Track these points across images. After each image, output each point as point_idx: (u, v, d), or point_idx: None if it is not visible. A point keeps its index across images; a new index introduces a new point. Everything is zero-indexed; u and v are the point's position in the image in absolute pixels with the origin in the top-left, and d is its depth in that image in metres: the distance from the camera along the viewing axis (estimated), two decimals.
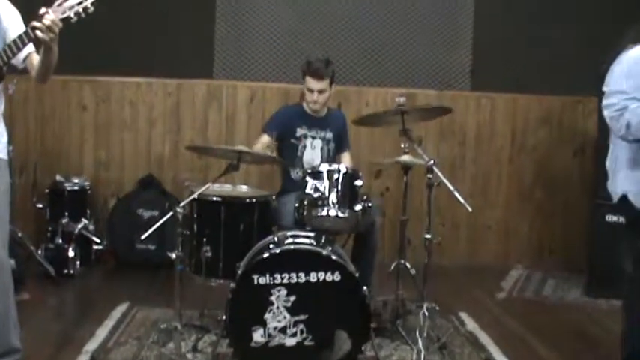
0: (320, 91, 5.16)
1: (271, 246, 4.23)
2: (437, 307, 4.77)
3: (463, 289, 6.22)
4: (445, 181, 4.55)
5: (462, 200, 4.49)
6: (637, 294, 3.93)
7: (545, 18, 6.77)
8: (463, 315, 5.42)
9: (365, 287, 4.13)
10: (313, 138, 5.27)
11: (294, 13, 6.68)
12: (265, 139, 5.21)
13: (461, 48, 6.88)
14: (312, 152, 5.26)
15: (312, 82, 5.16)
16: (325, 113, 5.36)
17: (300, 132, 5.27)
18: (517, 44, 6.84)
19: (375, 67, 6.78)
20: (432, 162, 4.58)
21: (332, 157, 5.30)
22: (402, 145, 4.83)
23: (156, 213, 6.19)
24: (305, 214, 4.42)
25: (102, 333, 4.71)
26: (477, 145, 6.94)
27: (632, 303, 3.97)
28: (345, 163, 5.23)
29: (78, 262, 5.93)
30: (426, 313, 4.62)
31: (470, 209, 4.52)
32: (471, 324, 5.28)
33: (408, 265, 4.93)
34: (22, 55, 3.73)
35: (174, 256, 4.27)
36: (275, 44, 6.68)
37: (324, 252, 4.14)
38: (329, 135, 5.31)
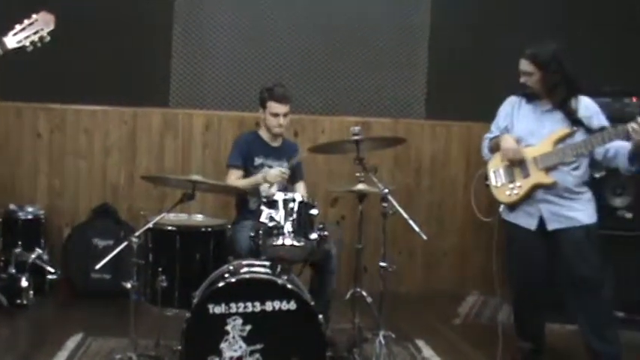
0: (285, 115, 5.24)
1: (227, 275, 4.23)
2: (393, 335, 4.78)
3: (419, 316, 6.23)
4: (400, 209, 4.59)
5: (416, 229, 4.53)
6: None
7: (501, 46, 6.87)
8: (420, 342, 5.45)
9: (320, 316, 4.14)
10: (270, 167, 5.29)
11: (250, 42, 6.71)
12: (237, 173, 5.24)
13: (416, 77, 6.95)
14: None
15: (277, 107, 5.22)
16: (281, 143, 5.39)
17: (257, 161, 5.30)
18: (472, 73, 6.93)
19: (330, 96, 6.82)
20: (386, 191, 4.62)
21: (286, 186, 5.31)
22: (357, 174, 4.87)
23: (111, 242, 6.13)
24: (261, 243, 4.41)
25: None
26: (432, 173, 7.01)
27: None
28: (300, 193, 5.24)
29: (31, 292, 5.86)
30: (383, 341, 4.64)
31: (425, 237, 4.56)
32: (427, 351, 5.30)
33: (364, 293, 4.93)
34: None
35: (129, 285, 4.26)
36: (230, 73, 6.70)
37: (280, 281, 4.14)
38: (285, 164, 5.33)
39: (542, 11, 6.94)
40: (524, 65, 4.76)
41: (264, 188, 5.20)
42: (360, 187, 4.84)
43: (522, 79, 4.79)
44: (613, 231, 5.29)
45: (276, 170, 5.03)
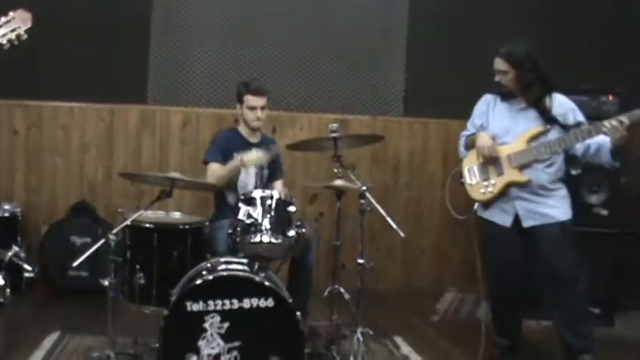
0: (262, 108, 5.25)
1: (204, 273, 4.22)
2: (371, 332, 4.81)
3: (398, 313, 6.25)
4: (377, 206, 4.62)
5: (394, 226, 4.56)
6: None
7: (478, 44, 6.90)
8: (398, 339, 5.46)
9: (298, 313, 4.14)
10: None
11: (229, 39, 6.69)
12: (215, 166, 5.23)
13: (394, 74, 6.97)
14: (246, 177, 5.27)
15: (254, 100, 5.23)
16: (260, 139, 5.39)
17: (236, 157, 5.28)
18: (449, 71, 6.95)
19: (308, 93, 6.82)
20: (364, 188, 4.64)
21: (265, 184, 5.32)
22: (335, 171, 4.88)
23: (89, 239, 6.09)
24: (238, 240, 4.41)
25: None
26: (410, 171, 7.03)
27: None
28: (278, 190, 5.24)
29: (8, 290, 5.80)
30: (360, 338, 4.65)
31: (402, 234, 4.58)
32: (405, 348, 5.32)
33: (342, 290, 4.94)
34: None
35: (106, 283, 4.24)
36: (208, 70, 6.68)
37: (258, 278, 4.14)
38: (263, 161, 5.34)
39: (520, 10, 6.98)
40: (499, 64, 4.82)
41: (241, 184, 5.21)
42: (338, 183, 4.85)
43: (497, 78, 4.85)
44: (589, 228, 5.33)
45: (253, 152, 5.00)
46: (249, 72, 6.53)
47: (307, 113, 6.81)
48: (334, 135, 4.74)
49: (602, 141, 4.62)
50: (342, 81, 6.87)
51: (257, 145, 5.32)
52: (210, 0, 6.70)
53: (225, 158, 5.23)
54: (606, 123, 4.43)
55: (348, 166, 4.81)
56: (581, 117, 4.81)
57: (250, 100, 5.23)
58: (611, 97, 5.93)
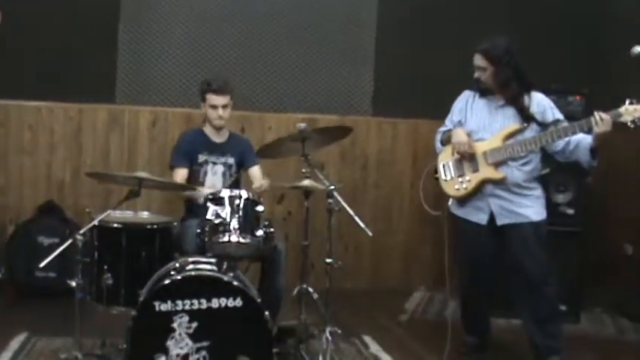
0: (224, 107, 5.24)
1: (173, 272, 4.22)
2: (339, 331, 4.82)
3: (366, 312, 6.27)
4: (345, 205, 4.63)
5: (362, 225, 4.57)
6: None
7: (447, 44, 6.95)
8: (367, 338, 5.48)
9: (267, 312, 4.15)
10: (214, 164, 5.31)
11: (197, 38, 6.67)
12: (182, 172, 5.24)
13: (363, 74, 6.99)
14: (213, 178, 5.28)
15: (215, 99, 5.23)
16: (227, 138, 5.39)
17: (201, 158, 5.30)
18: (418, 70, 6.99)
19: (277, 93, 6.82)
20: (332, 187, 4.65)
21: (234, 182, 5.32)
22: (303, 170, 4.88)
23: (56, 240, 6.03)
24: (207, 240, 4.39)
25: None
26: (379, 170, 7.05)
27: None
28: (256, 176, 5.35)
29: None
30: (329, 337, 4.66)
31: (370, 234, 4.60)
32: (374, 347, 5.34)
33: (311, 289, 4.95)
34: None
35: (74, 284, 4.22)
36: (177, 69, 6.66)
37: (226, 278, 4.15)
38: (230, 160, 5.35)
39: (489, 10, 7.03)
40: (478, 60, 4.83)
41: (209, 184, 5.21)
42: (306, 183, 4.86)
43: (476, 74, 4.87)
44: (556, 227, 5.37)
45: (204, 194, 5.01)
46: (219, 71, 6.52)
47: (276, 113, 6.80)
48: (302, 134, 4.74)
49: (581, 138, 4.64)
50: (311, 81, 6.88)
51: (222, 146, 5.32)
52: None
53: (190, 161, 5.26)
54: (596, 115, 4.42)
55: (316, 165, 4.81)
56: (559, 115, 4.84)
57: (212, 98, 5.23)
58: (577, 98, 6.00)
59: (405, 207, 7.10)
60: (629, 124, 4.39)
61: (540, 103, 4.86)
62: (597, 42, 7.25)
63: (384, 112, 7.02)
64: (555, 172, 5.66)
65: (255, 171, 5.50)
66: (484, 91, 4.92)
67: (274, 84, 6.82)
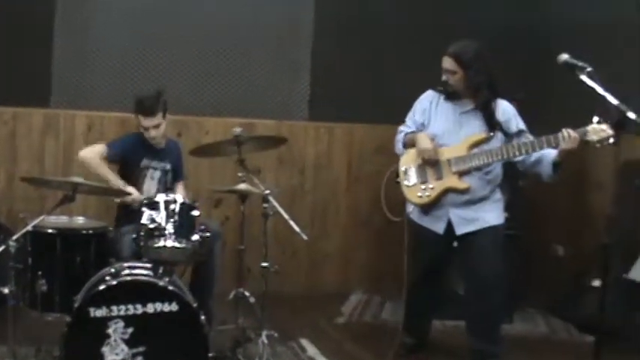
0: (155, 127, 5.19)
1: (108, 278, 4.20)
2: (276, 335, 4.85)
3: (303, 315, 6.29)
4: (280, 210, 4.66)
5: (297, 229, 4.61)
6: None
7: (383, 49, 7.02)
8: (304, 341, 5.50)
9: (203, 317, 4.16)
10: (154, 169, 5.29)
11: (134, 42, 6.62)
12: (101, 148, 5.21)
13: (299, 78, 7.01)
14: (150, 183, 5.26)
15: (145, 120, 5.17)
16: (165, 144, 5.37)
17: (143, 163, 5.27)
18: (355, 75, 7.04)
19: (214, 97, 6.80)
20: (267, 192, 4.67)
21: (168, 188, 5.32)
22: (240, 175, 4.89)
23: None
24: (142, 245, 4.38)
25: None
26: (316, 174, 7.08)
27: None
28: (179, 193, 5.25)
29: None
30: (266, 341, 4.70)
31: (305, 238, 4.64)
32: (311, 350, 5.37)
33: (247, 293, 4.98)
34: None
35: (6, 290, 4.17)
36: (114, 73, 6.60)
37: (161, 283, 4.15)
38: (167, 166, 5.34)
39: (425, 15, 7.11)
40: (448, 63, 4.76)
41: (146, 190, 5.20)
42: (242, 187, 4.88)
43: (444, 77, 4.80)
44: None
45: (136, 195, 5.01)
46: (155, 76, 6.50)
47: (213, 117, 6.79)
48: (238, 138, 4.76)
49: (544, 153, 4.63)
50: (248, 85, 6.87)
51: (161, 152, 5.32)
52: (116, 2, 6.63)
53: (126, 161, 5.23)
54: (564, 131, 4.41)
55: (252, 169, 4.83)
56: (522, 125, 4.84)
57: (142, 120, 5.18)
58: (513, 103, 6.08)
59: (341, 211, 7.14)
60: (595, 144, 4.34)
61: (506, 111, 4.84)
62: (533, 48, 7.38)
63: (321, 117, 7.05)
64: None
65: (179, 189, 5.50)
66: (450, 95, 4.87)
67: (211, 88, 6.81)
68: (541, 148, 4.57)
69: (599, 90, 3.98)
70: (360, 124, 7.02)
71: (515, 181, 6.13)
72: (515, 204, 6.16)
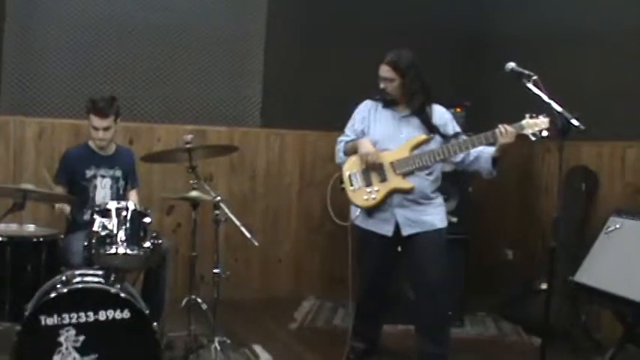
0: (105, 129, 5.18)
1: (59, 286, 4.17)
2: (229, 341, 4.86)
3: (256, 321, 6.29)
4: (232, 216, 4.68)
5: (248, 235, 4.64)
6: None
7: (335, 56, 7.09)
8: (256, 347, 5.50)
9: (155, 324, 4.16)
10: (103, 177, 5.26)
11: (86, 48, 6.56)
12: (59, 190, 5.17)
13: (251, 85, 7.03)
14: (102, 191, 5.24)
15: (96, 121, 5.16)
16: (114, 151, 5.36)
17: (89, 173, 5.24)
18: (306, 82, 7.09)
19: (166, 104, 6.78)
20: (218, 198, 4.69)
21: (122, 195, 5.30)
22: (191, 182, 4.91)
23: None
24: (94, 252, 4.37)
25: None
26: (267, 181, 7.10)
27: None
28: (132, 200, 5.24)
29: None
30: (218, 348, 4.71)
31: (256, 244, 4.66)
32: (264, 355, 5.37)
33: (200, 300, 4.98)
34: None
35: None
36: (65, 79, 6.54)
37: (113, 290, 4.13)
38: (118, 173, 5.32)
39: (376, 22, 7.19)
40: (385, 71, 4.86)
41: (98, 198, 5.18)
42: (194, 194, 4.88)
43: (382, 85, 4.89)
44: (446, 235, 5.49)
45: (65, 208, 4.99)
46: (107, 82, 6.47)
47: (165, 124, 6.78)
48: (188, 146, 4.78)
49: (481, 150, 4.79)
50: (200, 92, 6.87)
51: (109, 159, 5.31)
52: (66, 7, 6.58)
53: (70, 178, 5.22)
54: (501, 127, 4.59)
55: (203, 176, 4.84)
56: (458, 128, 4.98)
57: (93, 119, 5.18)
58: (458, 110, 6.19)
59: (293, 217, 7.19)
60: (530, 136, 4.56)
61: (442, 115, 4.97)
62: (477, 56, 7.51)
63: (272, 124, 7.08)
64: None
65: (133, 196, 5.50)
66: (388, 102, 4.96)
67: (164, 95, 6.79)
68: (480, 144, 4.72)
69: (544, 97, 4.10)
70: (311, 130, 7.06)
71: (465, 186, 6.22)
72: (465, 209, 6.26)
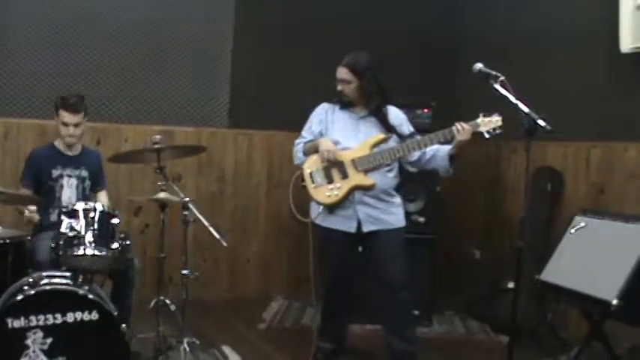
0: (76, 125, 5.16)
1: (26, 287, 4.13)
2: (198, 342, 4.85)
3: (225, 322, 6.28)
4: (200, 217, 4.68)
5: (217, 235, 4.64)
6: None
7: (302, 57, 7.10)
8: (225, 348, 5.49)
9: (124, 325, 4.14)
10: (69, 177, 5.23)
11: (52, 48, 6.51)
12: (26, 193, 5.14)
13: (219, 85, 7.02)
14: (68, 191, 5.20)
15: (67, 117, 5.13)
16: (80, 151, 5.33)
17: (55, 173, 5.20)
18: (274, 82, 7.11)
19: (133, 104, 6.75)
20: (187, 199, 4.69)
21: (88, 196, 5.27)
22: (159, 183, 4.89)
23: None
24: (61, 253, 4.34)
25: None
26: (235, 181, 7.10)
27: None
28: (101, 202, 5.21)
29: None
30: (187, 348, 4.70)
31: (225, 244, 4.67)
32: (233, 356, 5.36)
33: (168, 301, 4.97)
34: None
35: None
36: (31, 79, 6.48)
37: (81, 291, 4.11)
38: (84, 173, 5.29)
39: (342, 24, 7.22)
40: (343, 74, 4.94)
41: (65, 199, 5.15)
42: (162, 196, 4.87)
43: (340, 87, 4.97)
44: (408, 234, 5.53)
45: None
46: (74, 82, 6.41)
47: (132, 125, 6.74)
48: (157, 146, 4.77)
49: (438, 148, 4.87)
50: (167, 92, 6.85)
51: (75, 159, 5.27)
52: (33, 6, 6.52)
53: (37, 180, 5.18)
54: (457, 125, 4.67)
55: (171, 177, 4.83)
56: (412, 128, 5.08)
57: (64, 115, 5.15)
58: (425, 110, 6.24)
59: (261, 217, 7.19)
60: (485, 133, 4.66)
61: (397, 116, 5.07)
62: (444, 57, 7.56)
63: (240, 124, 7.08)
64: (406, 182, 5.83)
65: (102, 197, 5.47)
66: (344, 104, 5.04)
67: (131, 95, 6.75)
68: (438, 141, 4.79)
69: (512, 98, 4.13)
70: (279, 131, 7.06)
71: (433, 186, 6.25)
72: (433, 209, 6.30)
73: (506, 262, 6.36)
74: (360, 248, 5.07)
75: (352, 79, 4.93)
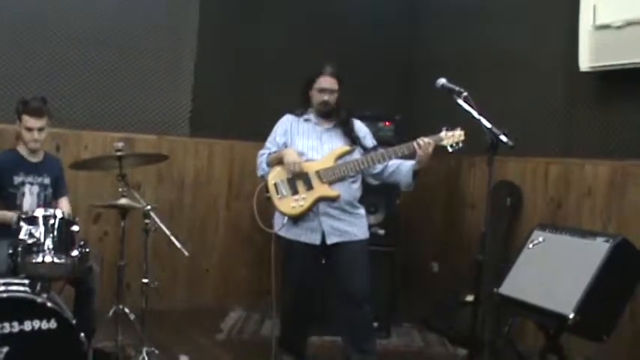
0: (40, 129, 5.10)
1: None
2: (156, 351, 4.83)
3: (183, 332, 6.26)
4: (162, 225, 4.67)
5: (178, 245, 4.63)
6: None
7: (264, 67, 7.11)
8: (184, 358, 5.45)
9: (82, 334, 4.10)
10: (31, 184, 5.15)
11: (14, 52, 6.42)
12: None
13: (181, 94, 7.00)
14: (30, 198, 5.14)
15: (31, 121, 5.06)
16: (42, 158, 5.27)
17: (17, 180, 5.12)
18: (236, 92, 7.11)
19: (94, 111, 6.69)
20: (148, 207, 4.67)
21: (49, 203, 5.21)
22: (120, 190, 4.87)
23: None
24: (19, 260, 4.30)
25: None
26: (195, 190, 7.06)
27: None
28: (63, 209, 5.15)
29: None
30: (146, 358, 4.68)
31: (186, 253, 4.66)
32: None
33: (127, 310, 4.93)
34: None
35: None
36: None
37: (39, 299, 4.07)
38: (46, 180, 5.22)
39: (304, 35, 7.27)
40: (332, 84, 5.04)
41: (26, 206, 5.08)
42: (123, 202, 4.84)
43: (326, 97, 5.04)
44: (369, 246, 5.55)
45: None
46: (34, 87, 6.30)
47: (93, 131, 6.68)
48: (119, 153, 4.75)
49: (401, 162, 4.94)
50: (128, 100, 6.81)
51: (38, 166, 5.21)
52: None
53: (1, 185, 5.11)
54: (419, 140, 4.74)
55: (132, 184, 4.81)
56: (375, 142, 5.17)
57: (27, 120, 5.07)
58: (387, 124, 6.28)
59: (221, 227, 7.17)
60: (448, 147, 4.74)
61: (361, 128, 5.15)
62: (407, 71, 7.63)
63: (201, 133, 7.06)
64: (366, 194, 5.86)
65: (64, 204, 5.40)
66: (325, 115, 5.10)
67: (91, 101, 6.68)
68: (402, 154, 4.86)
69: (474, 113, 4.18)
70: (240, 141, 7.06)
71: (393, 199, 6.29)
72: (392, 221, 6.34)
73: (464, 275, 6.39)
74: (323, 260, 5.08)
75: (337, 89, 5.04)
